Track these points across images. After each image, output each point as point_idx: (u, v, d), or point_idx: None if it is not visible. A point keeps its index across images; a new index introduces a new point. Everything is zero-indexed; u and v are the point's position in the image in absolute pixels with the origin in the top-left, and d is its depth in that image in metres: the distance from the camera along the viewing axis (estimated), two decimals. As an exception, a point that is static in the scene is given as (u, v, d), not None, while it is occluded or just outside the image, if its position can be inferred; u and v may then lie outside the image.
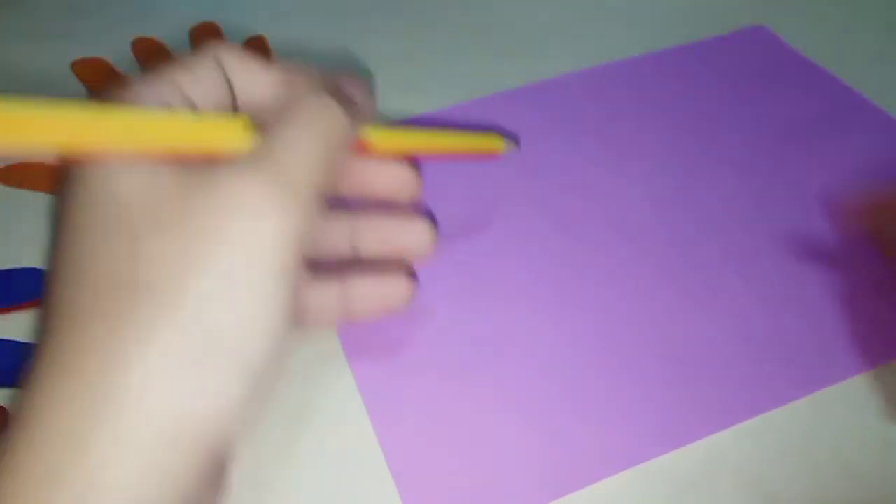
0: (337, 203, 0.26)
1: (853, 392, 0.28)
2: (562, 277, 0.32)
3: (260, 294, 0.17)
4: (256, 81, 0.21)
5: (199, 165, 0.18)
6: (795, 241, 0.33)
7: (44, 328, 0.17)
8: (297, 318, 0.24)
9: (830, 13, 0.47)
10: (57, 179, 0.20)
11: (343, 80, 0.22)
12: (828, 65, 0.42)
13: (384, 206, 0.26)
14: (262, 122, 0.20)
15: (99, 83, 0.43)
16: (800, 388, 0.28)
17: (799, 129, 0.39)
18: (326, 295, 0.25)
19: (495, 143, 0.27)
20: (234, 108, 0.22)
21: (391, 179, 0.25)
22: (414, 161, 0.25)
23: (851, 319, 0.30)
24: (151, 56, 0.45)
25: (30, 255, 0.33)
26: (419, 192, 0.25)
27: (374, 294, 0.25)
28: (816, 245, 0.32)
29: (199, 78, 0.20)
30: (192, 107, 0.20)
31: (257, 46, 0.45)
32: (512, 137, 0.28)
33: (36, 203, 0.36)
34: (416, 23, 0.47)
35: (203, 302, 0.17)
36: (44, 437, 0.16)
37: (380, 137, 0.24)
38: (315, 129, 0.19)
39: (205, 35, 0.46)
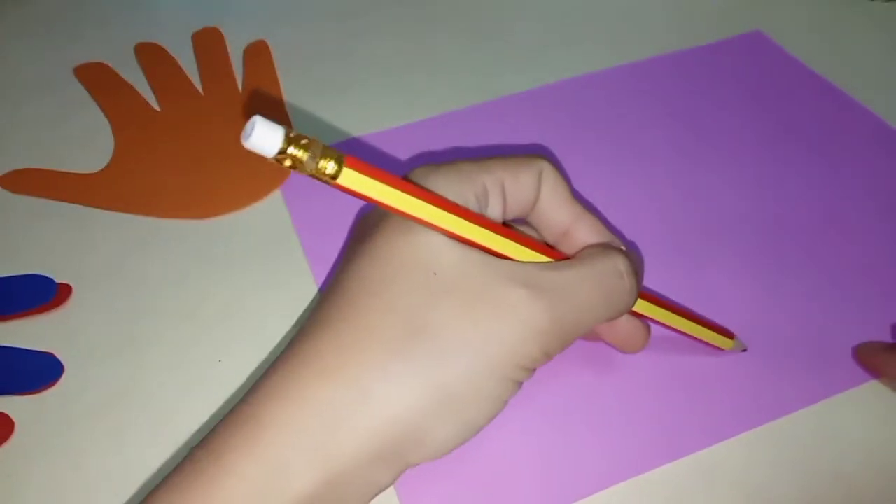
0: None
1: (851, 403, 0.28)
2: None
3: (496, 384, 0.21)
4: (560, 204, 0.25)
5: (502, 260, 0.22)
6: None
7: (317, 328, 0.22)
8: None
9: (828, 20, 0.47)
10: (367, 221, 0.24)
11: (631, 255, 0.25)
12: (824, 71, 0.42)
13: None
14: (559, 248, 0.25)
15: (101, 88, 0.43)
16: (798, 400, 0.28)
17: (795, 135, 0.39)
18: None
19: (724, 342, 0.29)
20: (524, 213, 0.25)
21: (624, 330, 0.26)
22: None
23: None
24: (154, 62, 0.45)
25: (31, 263, 0.34)
26: (643, 348, 0.27)
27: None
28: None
29: (515, 181, 0.24)
30: (499, 199, 0.24)
31: (258, 51, 0.45)
32: (742, 341, 0.30)
33: (38, 210, 0.36)
34: (418, 24, 0.47)
35: (458, 370, 0.20)
36: (302, 410, 0.20)
37: (640, 306, 0.26)
38: (608, 303, 0.23)
39: (207, 41, 0.46)
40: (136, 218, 0.36)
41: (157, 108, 0.42)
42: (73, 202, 0.36)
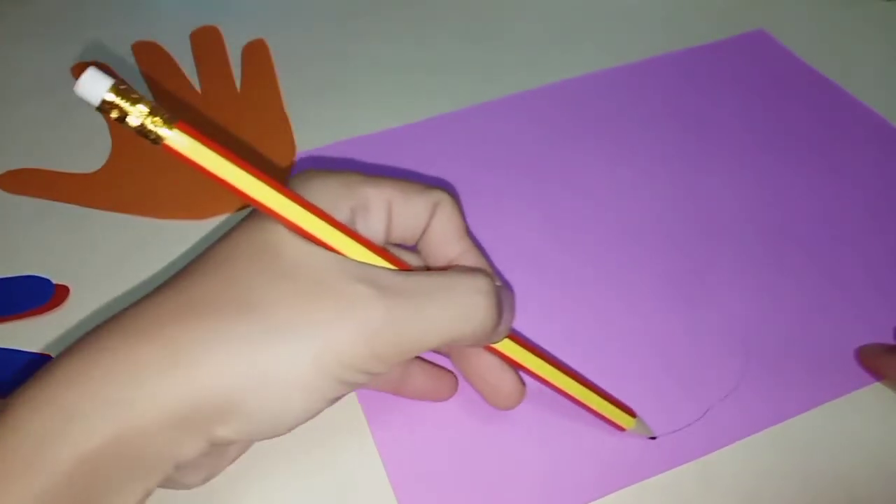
0: None
1: (853, 406, 0.28)
2: (563, 286, 0.32)
3: (317, 377, 0.20)
4: (451, 237, 0.24)
5: (353, 260, 0.21)
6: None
7: (145, 297, 0.21)
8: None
9: (830, 19, 0.47)
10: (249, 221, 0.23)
11: (505, 291, 0.24)
12: (827, 70, 0.42)
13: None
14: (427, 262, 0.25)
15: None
16: (800, 403, 0.28)
17: (797, 135, 0.39)
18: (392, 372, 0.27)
19: (624, 419, 0.26)
20: (413, 239, 0.25)
21: (494, 378, 0.26)
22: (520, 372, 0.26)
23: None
24: (152, 60, 0.44)
25: (28, 264, 0.34)
26: (514, 406, 0.26)
27: (425, 385, 0.28)
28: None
29: (406, 204, 0.24)
30: (383, 217, 0.23)
31: (257, 51, 0.45)
32: (646, 424, 0.27)
33: (36, 211, 0.36)
34: (418, 24, 0.47)
35: (279, 353, 0.20)
36: (109, 367, 0.20)
37: (512, 350, 0.25)
38: (459, 319, 0.22)
39: (205, 39, 0.46)
40: (133, 218, 0.35)
41: (155, 108, 0.42)
42: (71, 203, 0.36)
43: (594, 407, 0.26)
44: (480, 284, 0.22)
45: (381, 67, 0.44)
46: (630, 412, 0.27)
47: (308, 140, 0.39)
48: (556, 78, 0.42)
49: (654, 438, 0.27)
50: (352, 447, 0.27)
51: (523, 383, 0.26)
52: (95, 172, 0.38)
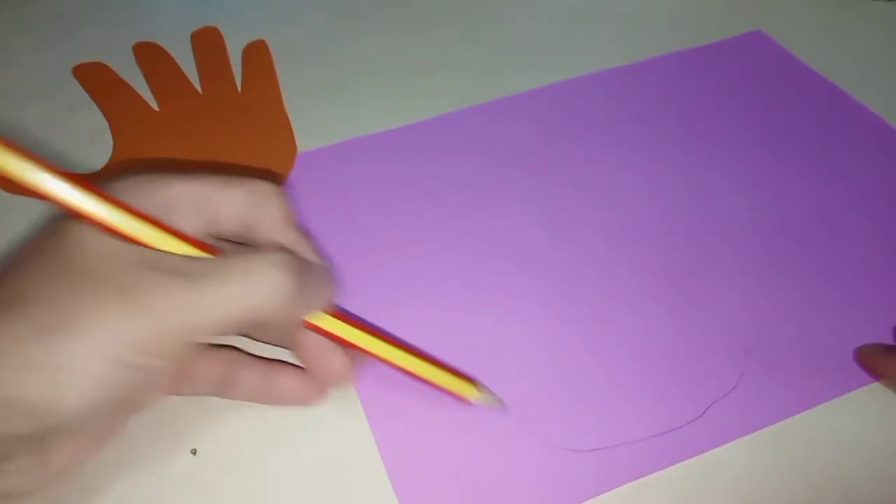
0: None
1: (852, 406, 0.28)
2: (563, 285, 0.32)
3: (97, 362, 0.20)
4: (277, 228, 0.25)
5: (148, 249, 0.22)
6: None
7: None
8: (179, 388, 0.27)
9: (829, 20, 0.47)
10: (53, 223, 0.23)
11: (314, 266, 0.24)
12: (826, 71, 0.42)
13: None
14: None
15: (100, 88, 0.43)
16: (799, 403, 0.28)
17: (796, 135, 0.39)
18: (253, 378, 0.27)
19: (468, 391, 0.26)
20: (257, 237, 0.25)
21: (324, 359, 0.26)
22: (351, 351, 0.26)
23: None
24: (153, 60, 0.45)
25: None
26: (343, 384, 0.26)
27: (291, 389, 0.27)
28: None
29: (223, 198, 0.24)
30: (195, 212, 0.23)
31: (258, 51, 0.45)
32: (494, 394, 0.27)
33: (37, 211, 0.36)
34: (419, 24, 0.47)
35: (59, 343, 0.20)
36: None
37: (334, 326, 0.24)
38: (252, 292, 0.22)
39: (206, 40, 0.46)
40: (134, 218, 0.36)
41: (155, 107, 0.42)
42: (72, 203, 0.36)
43: (434, 380, 0.25)
44: (276, 259, 0.22)
45: (381, 67, 0.44)
46: (470, 381, 0.26)
47: (309, 140, 0.39)
48: (556, 78, 0.43)
49: (502, 408, 0.26)
50: (352, 447, 0.27)
51: (353, 362, 0.26)
52: (96, 173, 0.38)
